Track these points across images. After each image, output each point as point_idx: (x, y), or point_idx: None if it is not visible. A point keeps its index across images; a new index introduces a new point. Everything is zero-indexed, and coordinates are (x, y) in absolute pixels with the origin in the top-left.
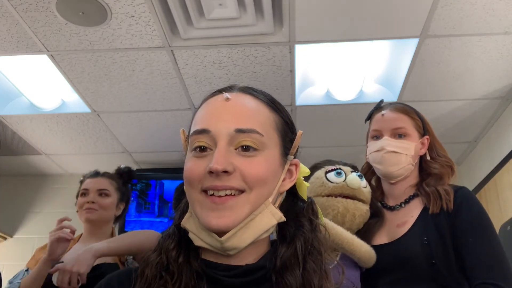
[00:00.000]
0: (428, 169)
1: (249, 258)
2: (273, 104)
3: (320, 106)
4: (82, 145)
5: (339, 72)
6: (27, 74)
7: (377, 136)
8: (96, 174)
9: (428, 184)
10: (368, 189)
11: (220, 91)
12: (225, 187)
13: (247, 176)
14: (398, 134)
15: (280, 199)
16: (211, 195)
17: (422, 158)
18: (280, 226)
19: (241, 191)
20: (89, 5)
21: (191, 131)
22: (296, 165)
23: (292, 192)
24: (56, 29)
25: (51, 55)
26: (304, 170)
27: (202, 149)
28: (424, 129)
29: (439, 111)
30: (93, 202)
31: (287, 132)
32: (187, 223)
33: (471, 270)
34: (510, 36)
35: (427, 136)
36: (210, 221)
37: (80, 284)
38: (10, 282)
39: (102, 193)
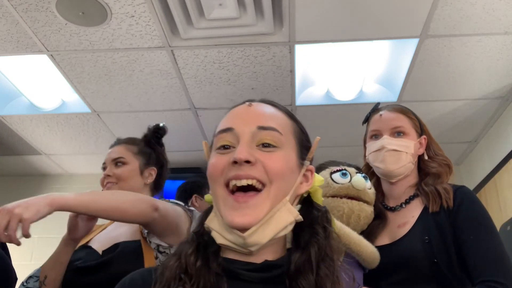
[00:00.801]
0: (426, 169)
1: (268, 257)
2: (291, 114)
3: (320, 106)
4: (82, 145)
5: (339, 72)
6: (27, 74)
7: (376, 136)
8: (114, 143)
9: (426, 183)
10: (373, 190)
11: (243, 102)
12: (247, 176)
13: (268, 168)
14: (397, 133)
15: (296, 201)
16: (232, 190)
17: (420, 159)
18: (295, 232)
19: (262, 185)
20: (89, 5)
21: (215, 132)
22: (312, 171)
23: (308, 200)
24: (56, 29)
25: (51, 55)
26: (319, 178)
27: (225, 147)
28: (421, 129)
29: (439, 111)
30: (109, 175)
31: (303, 139)
32: (211, 222)
33: (472, 268)
34: (510, 36)
35: (424, 136)
36: (233, 219)
37: (21, 236)
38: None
39: (117, 162)
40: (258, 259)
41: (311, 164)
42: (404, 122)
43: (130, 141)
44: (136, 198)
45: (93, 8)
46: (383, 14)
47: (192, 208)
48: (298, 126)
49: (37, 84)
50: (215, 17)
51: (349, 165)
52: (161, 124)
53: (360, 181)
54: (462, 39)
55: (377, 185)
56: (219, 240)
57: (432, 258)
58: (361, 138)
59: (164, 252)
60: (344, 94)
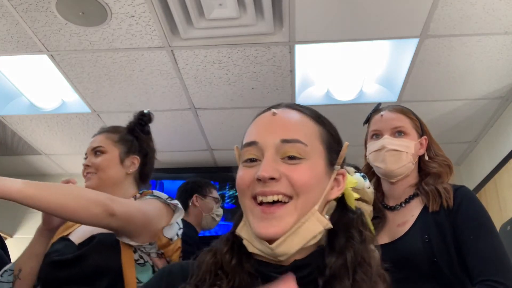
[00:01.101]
0: (426, 169)
1: (297, 257)
2: (318, 118)
3: (320, 106)
4: (82, 145)
5: (339, 72)
6: (27, 74)
7: (377, 135)
8: (97, 132)
9: (427, 183)
10: (372, 189)
11: (269, 108)
12: (273, 192)
13: (293, 181)
14: (398, 132)
15: (327, 207)
16: (260, 202)
17: (420, 159)
18: (329, 236)
19: (289, 198)
20: (89, 5)
21: (242, 144)
22: (343, 175)
23: (342, 203)
24: (56, 29)
25: (51, 55)
26: (352, 180)
27: (252, 160)
28: (422, 129)
29: (439, 111)
30: (88, 166)
31: (332, 143)
32: (242, 231)
33: (472, 268)
34: (510, 36)
35: (425, 137)
36: (261, 230)
37: None
38: None
39: (96, 151)
40: (287, 261)
41: (343, 166)
42: (404, 122)
43: (111, 130)
44: (90, 199)
45: (93, 8)
46: (383, 14)
47: (175, 201)
48: (327, 130)
49: (37, 84)
50: (215, 17)
51: (348, 165)
52: (145, 111)
53: (359, 180)
54: (462, 39)
55: (377, 185)
56: (249, 248)
57: (432, 257)
58: (361, 138)
59: (139, 249)
60: (344, 94)
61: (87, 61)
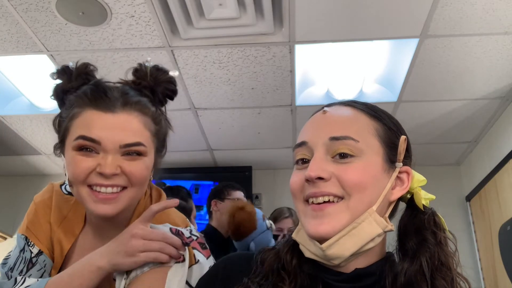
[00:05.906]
0: None
1: (360, 265)
2: (373, 112)
3: (320, 106)
4: None
5: (339, 72)
6: (27, 74)
7: None
8: (115, 101)
9: None
10: None
11: (322, 107)
12: (322, 193)
13: (343, 181)
14: None
15: (390, 209)
16: (311, 203)
17: None
18: (400, 240)
19: (340, 198)
20: (89, 5)
21: (293, 146)
22: (408, 173)
23: (412, 204)
24: (56, 29)
25: (51, 55)
26: (419, 178)
27: (304, 161)
28: None
29: (439, 111)
30: (114, 175)
31: (392, 139)
32: (297, 235)
33: None
34: (510, 36)
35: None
36: (311, 228)
37: None
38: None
39: (131, 151)
40: (348, 268)
41: (410, 164)
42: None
43: (141, 105)
44: None
45: (93, 8)
46: (383, 14)
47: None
48: (384, 124)
49: (37, 84)
50: (215, 17)
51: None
52: (172, 73)
53: None
54: (462, 39)
55: None
56: (306, 253)
57: None
58: None
59: None
60: (344, 94)
61: (87, 61)
